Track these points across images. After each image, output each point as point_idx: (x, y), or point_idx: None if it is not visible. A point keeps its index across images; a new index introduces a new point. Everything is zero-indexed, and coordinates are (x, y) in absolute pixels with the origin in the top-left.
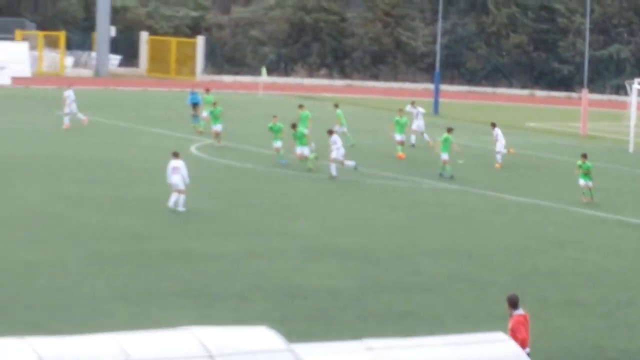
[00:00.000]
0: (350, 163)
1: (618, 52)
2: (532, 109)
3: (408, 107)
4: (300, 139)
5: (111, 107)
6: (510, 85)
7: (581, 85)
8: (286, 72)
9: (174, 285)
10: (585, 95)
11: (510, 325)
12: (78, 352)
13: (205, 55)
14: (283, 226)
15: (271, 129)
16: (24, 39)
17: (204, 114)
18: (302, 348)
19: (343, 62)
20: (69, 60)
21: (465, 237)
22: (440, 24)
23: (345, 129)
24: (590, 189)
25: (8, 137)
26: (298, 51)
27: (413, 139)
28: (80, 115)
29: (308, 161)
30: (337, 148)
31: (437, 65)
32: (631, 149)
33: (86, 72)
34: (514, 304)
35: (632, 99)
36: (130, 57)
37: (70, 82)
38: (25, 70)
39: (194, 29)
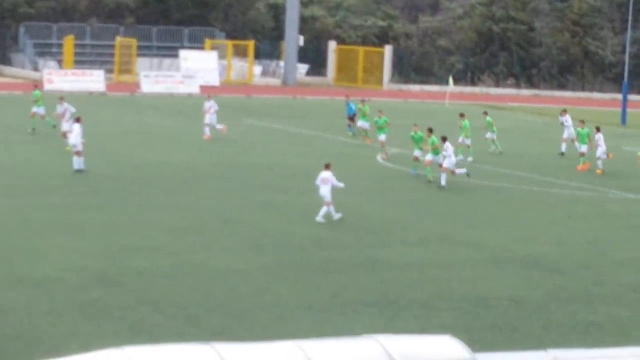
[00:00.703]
0: (461, 171)
1: None
2: None
3: (560, 117)
4: (433, 149)
5: (297, 115)
6: None
7: None
8: (473, 82)
9: (359, 293)
10: None
11: None
12: (262, 358)
13: (393, 64)
14: (467, 235)
15: (412, 137)
16: (213, 48)
17: (360, 123)
18: (486, 357)
19: (530, 72)
20: (257, 69)
21: None
22: (629, 33)
23: (494, 136)
24: None
25: (197, 146)
26: (485, 60)
27: (563, 147)
28: (219, 126)
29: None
30: (448, 156)
31: (625, 74)
32: None
33: (274, 81)
34: None
35: None
36: (317, 66)
37: (209, 91)
38: (214, 79)
39: (382, 38)
